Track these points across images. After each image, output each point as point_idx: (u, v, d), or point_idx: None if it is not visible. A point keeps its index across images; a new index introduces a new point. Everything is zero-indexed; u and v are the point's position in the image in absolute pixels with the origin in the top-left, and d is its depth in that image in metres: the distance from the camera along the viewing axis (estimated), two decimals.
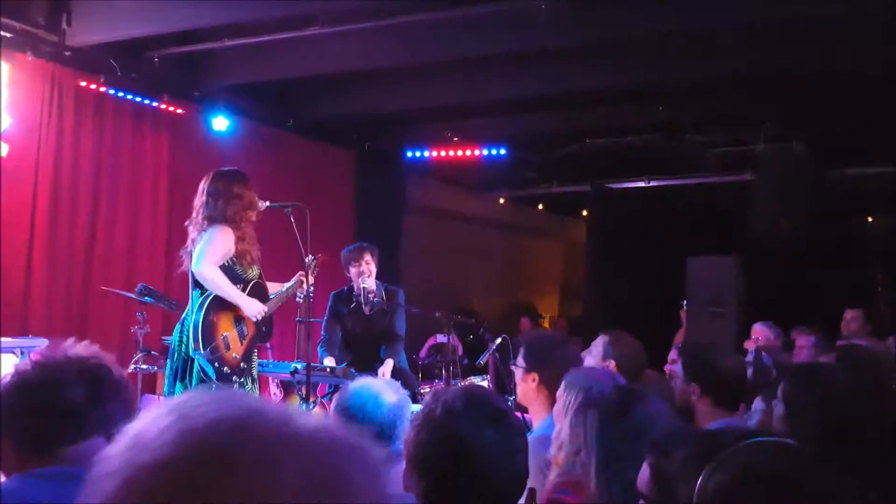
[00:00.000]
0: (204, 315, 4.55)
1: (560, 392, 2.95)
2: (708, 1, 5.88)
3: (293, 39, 6.66)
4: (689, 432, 2.20)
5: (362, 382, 2.38)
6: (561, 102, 8.62)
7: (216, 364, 4.53)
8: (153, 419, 0.70)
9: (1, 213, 6.15)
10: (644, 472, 2.16)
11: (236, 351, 4.67)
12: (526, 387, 3.45)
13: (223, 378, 4.57)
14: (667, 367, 5.02)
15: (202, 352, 4.48)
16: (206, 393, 0.72)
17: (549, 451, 2.89)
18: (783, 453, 1.65)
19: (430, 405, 1.84)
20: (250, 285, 4.79)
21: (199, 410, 0.69)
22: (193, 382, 4.55)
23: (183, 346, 4.57)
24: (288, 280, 5.18)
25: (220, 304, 4.63)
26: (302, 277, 5.04)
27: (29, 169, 6.50)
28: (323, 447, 0.69)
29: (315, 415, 0.74)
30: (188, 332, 4.54)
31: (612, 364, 3.70)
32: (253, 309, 4.72)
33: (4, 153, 6.22)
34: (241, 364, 4.69)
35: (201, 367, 4.52)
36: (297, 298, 5.17)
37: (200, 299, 4.59)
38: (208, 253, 4.57)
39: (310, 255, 5.10)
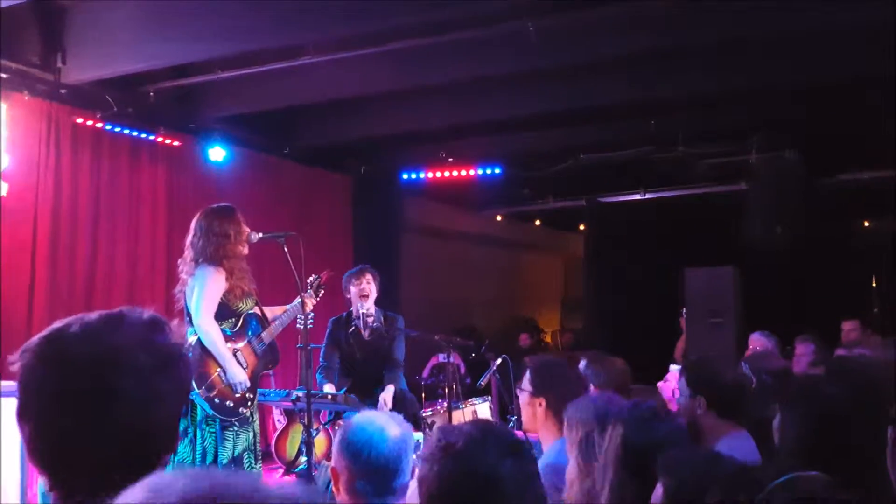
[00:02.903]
0: (199, 352, 4.59)
1: (565, 429, 2.97)
2: (693, 17, 5.95)
3: (286, 69, 6.73)
4: (702, 457, 2.23)
5: (366, 416, 2.41)
6: (554, 120, 8.69)
7: (216, 400, 4.56)
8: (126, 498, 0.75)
9: (1, 252, 6.20)
10: (657, 492, 2.21)
11: None
12: (532, 411, 3.45)
13: (227, 412, 4.60)
14: (659, 384, 5.05)
15: (197, 391, 4.51)
16: (177, 471, 0.79)
17: (558, 478, 2.91)
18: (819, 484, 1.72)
19: (447, 439, 1.86)
20: (242, 318, 4.82)
21: (171, 486, 0.76)
22: (198, 418, 4.58)
23: None
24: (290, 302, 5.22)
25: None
26: (306, 299, 5.07)
27: (28, 207, 6.55)
28: None
29: (285, 484, 0.80)
30: None
31: (590, 387, 3.73)
32: (237, 377, 4.71)
33: (4, 192, 6.27)
34: (247, 395, 4.72)
35: (201, 405, 4.56)
36: (298, 325, 5.20)
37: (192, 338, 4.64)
38: (205, 306, 4.61)
39: (313, 275, 5.13)
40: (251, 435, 4.69)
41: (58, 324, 1.33)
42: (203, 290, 4.62)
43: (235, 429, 4.63)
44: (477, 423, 1.94)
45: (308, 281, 5.08)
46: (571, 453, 2.86)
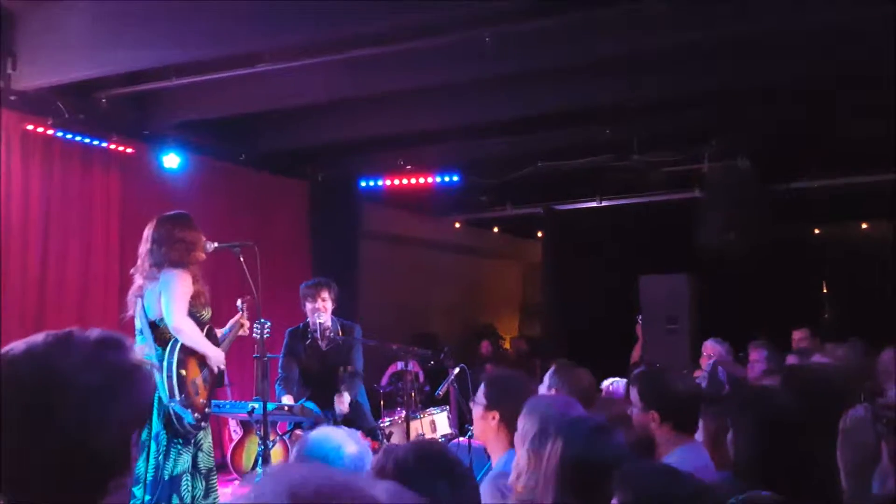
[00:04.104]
0: (177, 362, 4.52)
1: (520, 419, 2.99)
2: (646, 24, 6.01)
3: (242, 76, 6.66)
4: (658, 472, 2.25)
5: (323, 433, 2.39)
6: (511, 128, 8.73)
7: (190, 410, 4.51)
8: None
9: None
10: None
11: (203, 396, 4.67)
12: (485, 424, 3.45)
13: (195, 425, 4.55)
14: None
15: (178, 399, 4.45)
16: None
17: (506, 483, 2.93)
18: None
19: (382, 462, 1.86)
20: (206, 328, 4.78)
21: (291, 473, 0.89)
22: (154, 431, 4.50)
23: None
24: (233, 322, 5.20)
25: (189, 351, 4.62)
26: (242, 321, 5.06)
27: None
28: None
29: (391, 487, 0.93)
30: (160, 379, 4.49)
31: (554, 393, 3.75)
32: (218, 358, 4.72)
33: None
34: (206, 409, 4.68)
35: (177, 415, 4.47)
36: (254, 335, 5.15)
37: (170, 346, 4.56)
38: (177, 305, 4.55)
39: (239, 300, 5.11)
40: (190, 457, 4.62)
41: (9, 345, 1.32)
42: (174, 292, 4.56)
43: (178, 448, 4.56)
44: (418, 443, 1.94)
45: (237, 305, 5.07)
46: (523, 444, 2.87)
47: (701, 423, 3.34)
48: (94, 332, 1.34)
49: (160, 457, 4.49)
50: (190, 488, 4.58)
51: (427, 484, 1.78)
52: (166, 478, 4.48)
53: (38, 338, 1.32)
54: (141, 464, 4.46)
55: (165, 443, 4.51)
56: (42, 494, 1.25)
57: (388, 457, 1.84)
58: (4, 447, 1.26)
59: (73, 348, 1.30)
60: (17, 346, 1.31)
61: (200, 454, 4.69)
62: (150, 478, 4.45)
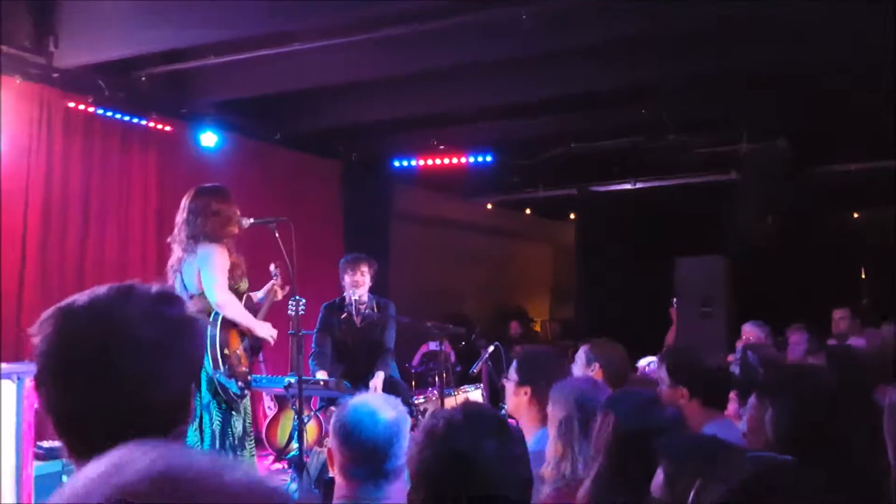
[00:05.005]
0: (220, 333, 4.59)
1: (549, 408, 3.00)
2: (684, 4, 5.95)
3: (279, 54, 6.71)
4: (701, 442, 2.25)
5: (361, 399, 2.42)
6: (545, 107, 8.69)
7: (234, 380, 4.58)
8: (88, 472, 0.75)
9: None
10: (658, 477, 2.22)
11: (244, 364, 4.73)
12: (518, 400, 3.48)
13: (241, 394, 4.63)
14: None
15: (222, 370, 4.52)
16: (141, 447, 0.77)
17: (538, 466, 2.94)
18: (777, 469, 1.74)
19: (431, 421, 1.89)
20: (244, 298, 4.84)
21: (132, 464, 0.73)
22: (205, 401, 4.57)
23: None
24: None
25: (230, 322, 4.69)
26: (276, 286, 5.12)
27: (19, 192, 6.51)
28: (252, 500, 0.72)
29: (249, 470, 0.75)
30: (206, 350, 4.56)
31: (597, 368, 3.75)
32: (267, 331, 4.77)
33: None
34: (249, 377, 4.76)
35: (222, 385, 4.54)
36: (289, 311, 5.20)
37: (212, 319, 4.62)
38: (217, 279, 4.60)
39: (272, 265, 5.17)
40: (243, 418, 4.72)
41: (73, 296, 1.36)
42: (213, 269, 4.61)
43: (232, 416, 4.65)
44: (465, 404, 1.96)
45: (270, 271, 5.17)
46: (552, 431, 2.89)
47: (746, 414, 3.33)
48: (154, 287, 1.37)
49: (214, 425, 4.56)
50: (252, 451, 4.70)
51: (475, 442, 1.81)
52: (228, 445, 4.56)
53: (102, 290, 1.35)
54: (195, 434, 4.53)
55: (221, 413, 4.59)
56: (103, 445, 1.27)
57: (437, 417, 1.87)
58: (66, 397, 1.29)
59: (134, 301, 1.33)
60: (80, 297, 1.34)
61: (247, 420, 4.79)
62: (206, 447, 4.52)
